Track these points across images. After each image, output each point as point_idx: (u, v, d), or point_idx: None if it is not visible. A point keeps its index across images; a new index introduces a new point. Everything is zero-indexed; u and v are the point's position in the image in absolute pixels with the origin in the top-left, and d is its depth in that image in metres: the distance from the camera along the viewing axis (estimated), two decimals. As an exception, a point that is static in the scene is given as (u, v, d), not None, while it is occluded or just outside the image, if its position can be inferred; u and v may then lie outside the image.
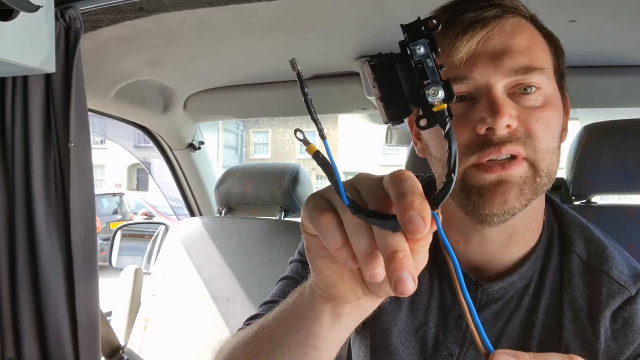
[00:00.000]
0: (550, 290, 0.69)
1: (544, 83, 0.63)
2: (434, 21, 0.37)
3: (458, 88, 0.62)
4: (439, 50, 0.38)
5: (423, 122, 0.38)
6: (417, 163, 1.22)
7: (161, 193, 2.55)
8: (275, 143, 21.28)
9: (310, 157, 0.39)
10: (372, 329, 0.75)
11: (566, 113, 0.69)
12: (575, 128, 1.16)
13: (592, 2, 0.98)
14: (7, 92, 0.95)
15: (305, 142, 0.40)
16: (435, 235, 0.38)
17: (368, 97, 1.46)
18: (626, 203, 1.20)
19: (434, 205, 0.36)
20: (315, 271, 0.45)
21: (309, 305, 0.48)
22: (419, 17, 0.38)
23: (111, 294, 1.88)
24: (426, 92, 0.37)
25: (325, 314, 0.47)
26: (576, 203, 1.20)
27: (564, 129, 0.68)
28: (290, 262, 0.82)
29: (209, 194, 2.06)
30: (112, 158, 16.33)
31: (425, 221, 0.35)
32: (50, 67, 0.86)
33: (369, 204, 0.39)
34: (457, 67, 0.62)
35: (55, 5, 0.87)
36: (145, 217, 10.38)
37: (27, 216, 0.97)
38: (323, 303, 0.47)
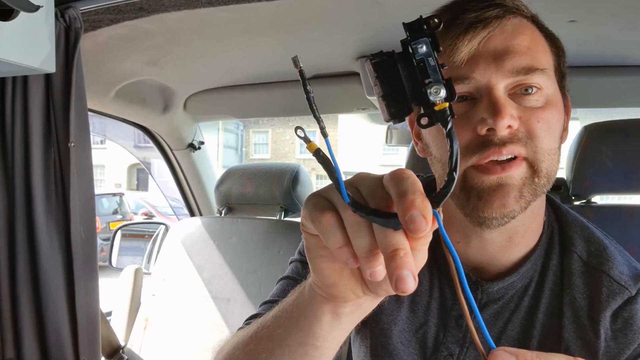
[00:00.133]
0: (550, 290, 0.69)
1: (545, 83, 0.63)
2: (436, 20, 0.37)
3: (459, 88, 0.62)
4: (441, 49, 0.38)
5: (424, 121, 0.38)
6: (417, 163, 1.21)
7: (161, 193, 2.55)
8: (275, 143, 21.28)
9: (310, 157, 0.39)
10: (372, 329, 0.75)
11: (567, 113, 0.69)
12: (575, 128, 1.16)
13: (592, 2, 0.98)
14: (7, 92, 0.95)
15: (306, 139, 0.40)
16: (435, 234, 0.38)
17: (368, 97, 1.46)
18: (626, 203, 1.20)
19: (435, 204, 0.36)
20: (315, 271, 0.45)
21: (309, 304, 0.48)
22: (421, 16, 0.38)
23: (111, 294, 1.88)
24: (428, 91, 0.37)
25: (325, 313, 0.47)
26: (576, 203, 1.20)
27: (565, 130, 0.68)
28: (290, 262, 0.82)
29: (209, 194, 2.06)
30: (112, 158, 16.32)
31: (426, 220, 0.35)
32: (50, 67, 0.86)
33: (370, 203, 0.39)
34: (458, 67, 0.61)
35: (55, 5, 0.87)
36: (145, 217, 10.37)
37: (27, 216, 0.97)
38: (323, 303, 0.47)
